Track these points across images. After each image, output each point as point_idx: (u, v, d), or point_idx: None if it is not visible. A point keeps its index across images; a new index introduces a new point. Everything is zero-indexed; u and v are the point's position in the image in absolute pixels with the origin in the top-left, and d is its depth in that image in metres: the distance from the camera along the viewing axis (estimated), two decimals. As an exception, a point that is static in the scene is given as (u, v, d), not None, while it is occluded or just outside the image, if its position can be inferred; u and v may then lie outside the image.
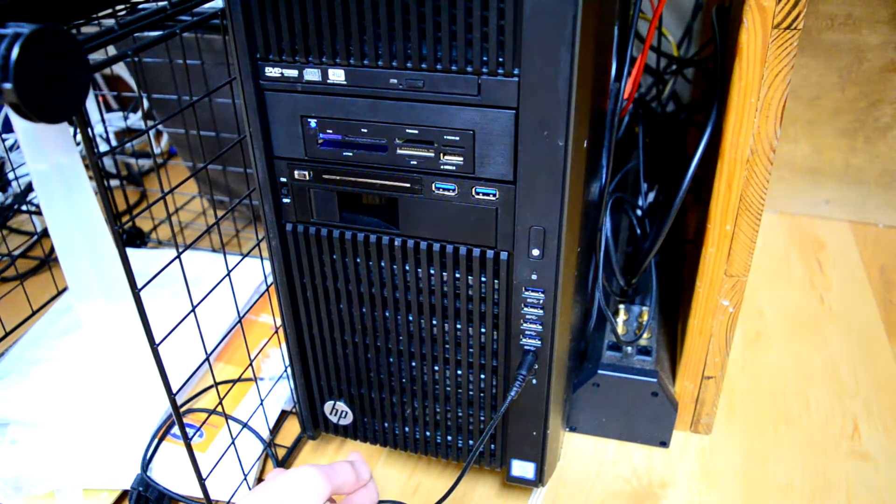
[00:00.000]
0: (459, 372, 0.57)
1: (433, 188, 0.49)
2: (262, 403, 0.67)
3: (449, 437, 0.61)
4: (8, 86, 0.33)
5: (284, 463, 0.69)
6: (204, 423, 0.68)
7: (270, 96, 0.49)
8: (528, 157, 0.45)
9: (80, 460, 0.64)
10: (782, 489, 0.66)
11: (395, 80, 0.45)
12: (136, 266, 0.47)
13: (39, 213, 1.00)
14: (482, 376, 0.56)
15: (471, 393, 0.58)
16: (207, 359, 0.58)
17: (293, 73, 0.48)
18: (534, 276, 0.50)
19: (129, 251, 0.93)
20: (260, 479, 0.67)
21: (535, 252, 0.49)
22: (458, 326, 0.54)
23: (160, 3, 0.50)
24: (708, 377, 0.67)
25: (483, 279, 0.52)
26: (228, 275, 0.58)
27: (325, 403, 0.63)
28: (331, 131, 0.49)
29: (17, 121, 0.64)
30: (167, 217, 0.57)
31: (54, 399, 0.69)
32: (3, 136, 0.96)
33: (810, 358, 0.82)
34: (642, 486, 0.66)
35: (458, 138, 0.46)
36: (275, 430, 0.72)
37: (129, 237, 1.01)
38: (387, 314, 0.56)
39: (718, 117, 0.58)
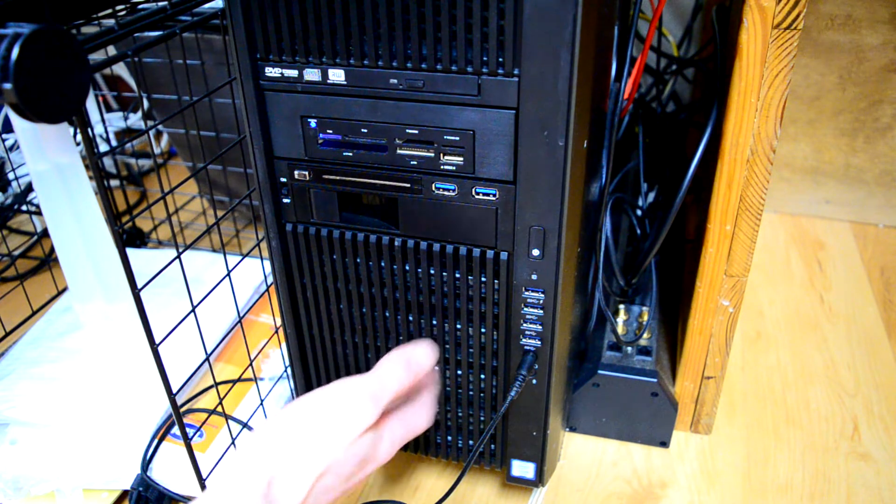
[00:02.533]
0: (459, 372, 0.57)
1: (433, 188, 0.49)
2: (262, 403, 0.67)
3: (449, 437, 0.61)
4: (8, 86, 0.33)
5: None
6: (204, 423, 0.68)
7: (270, 96, 0.49)
8: (528, 157, 0.45)
9: (80, 460, 0.64)
10: (782, 489, 0.66)
11: (395, 81, 0.45)
12: (136, 266, 0.47)
13: (39, 213, 1.00)
14: (482, 376, 0.56)
15: (471, 393, 0.58)
16: (207, 359, 0.58)
17: (293, 73, 0.48)
18: (534, 276, 0.50)
19: (129, 251, 0.93)
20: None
21: (535, 252, 0.49)
22: (458, 326, 0.54)
23: (160, 3, 0.50)
24: (708, 377, 0.67)
25: (483, 279, 0.52)
26: (228, 275, 0.58)
27: (325, 403, 0.63)
28: (331, 131, 0.49)
29: (17, 121, 0.64)
30: (167, 217, 0.57)
31: (54, 399, 0.69)
32: (3, 136, 0.96)
33: (810, 358, 0.82)
34: (642, 487, 0.66)
35: (458, 138, 0.46)
36: (275, 430, 0.72)
37: (129, 237, 1.01)
38: (387, 314, 0.56)
39: (718, 117, 0.58)
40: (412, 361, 0.51)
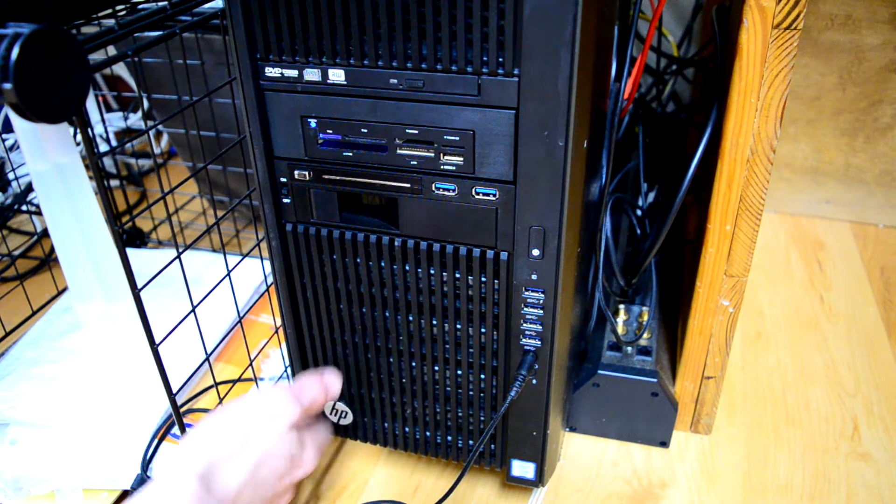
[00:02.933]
0: (459, 372, 0.57)
1: (433, 188, 0.49)
2: (262, 403, 0.67)
3: (449, 437, 0.61)
4: (8, 86, 0.33)
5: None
6: (204, 423, 0.68)
7: (270, 96, 0.49)
8: (528, 157, 0.45)
9: (80, 460, 0.64)
10: (782, 489, 0.66)
11: (395, 80, 0.45)
12: (136, 266, 0.48)
13: (39, 213, 1.00)
14: (482, 376, 0.56)
15: (471, 393, 0.58)
16: (207, 359, 0.58)
17: (293, 73, 0.48)
18: (534, 276, 0.50)
19: (129, 251, 0.93)
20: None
21: (535, 252, 0.49)
22: (458, 326, 0.54)
23: (160, 3, 0.50)
24: (708, 377, 0.67)
25: (483, 279, 0.52)
26: (228, 275, 0.59)
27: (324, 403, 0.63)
28: (331, 131, 0.49)
29: (17, 121, 0.64)
30: (167, 217, 0.57)
31: (54, 399, 0.69)
32: (3, 136, 0.96)
33: (810, 358, 0.82)
34: (642, 487, 0.66)
35: (458, 138, 0.46)
36: (275, 430, 0.72)
37: (129, 237, 1.01)
38: (387, 314, 0.56)
39: (718, 117, 0.58)
40: (325, 381, 0.58)
